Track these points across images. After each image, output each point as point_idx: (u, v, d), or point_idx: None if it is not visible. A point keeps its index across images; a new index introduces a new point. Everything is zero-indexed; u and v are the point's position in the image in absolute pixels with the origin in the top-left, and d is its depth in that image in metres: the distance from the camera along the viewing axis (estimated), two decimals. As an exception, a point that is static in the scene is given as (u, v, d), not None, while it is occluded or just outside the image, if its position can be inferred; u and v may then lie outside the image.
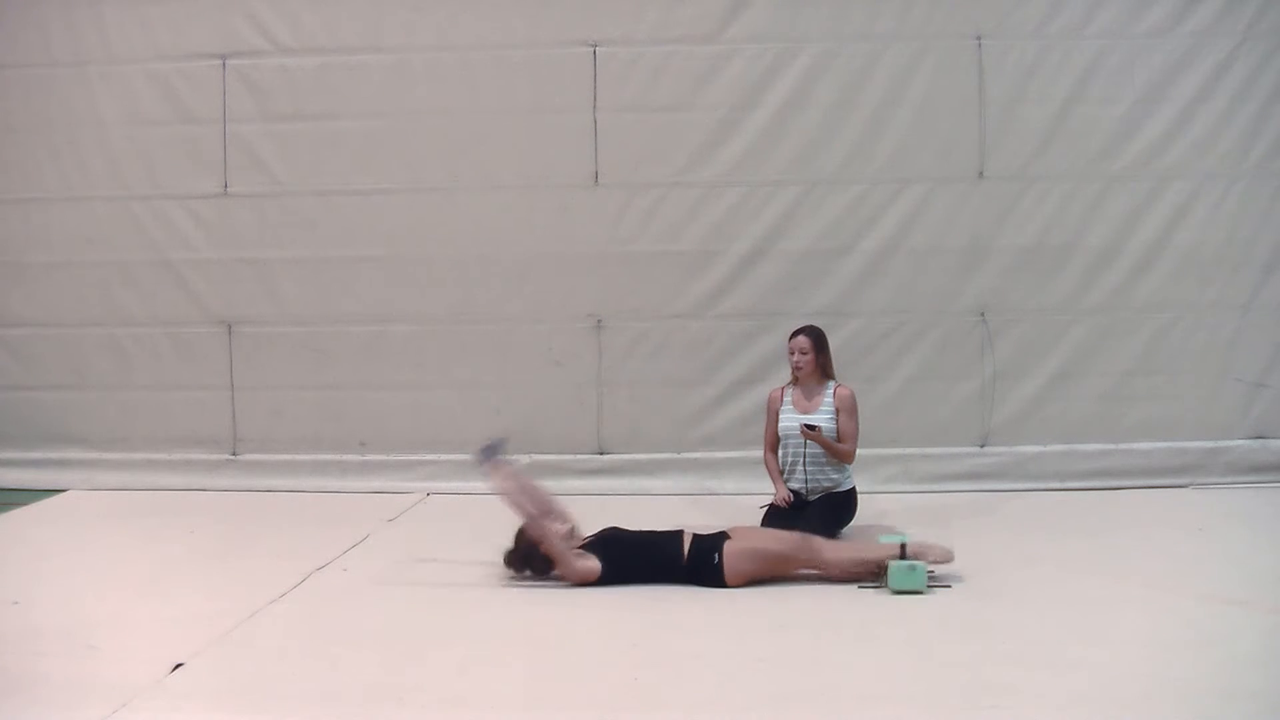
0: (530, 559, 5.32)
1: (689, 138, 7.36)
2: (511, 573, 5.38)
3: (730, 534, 5.29)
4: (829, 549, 5.28)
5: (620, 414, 7.48)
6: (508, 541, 5.37)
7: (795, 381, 6.19)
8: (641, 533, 5.41)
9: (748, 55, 7.31)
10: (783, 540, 5.28)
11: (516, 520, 5.34)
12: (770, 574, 5.22)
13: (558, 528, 5.31)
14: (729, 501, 6.85)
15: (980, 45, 7.23)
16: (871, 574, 5.16)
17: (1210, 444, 7.20)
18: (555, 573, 5.30)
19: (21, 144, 7.76)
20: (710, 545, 5.22)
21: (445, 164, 7.50)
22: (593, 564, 5.22)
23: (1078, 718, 3.76)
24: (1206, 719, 3.75)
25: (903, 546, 5.16)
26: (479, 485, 7.33)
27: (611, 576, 5.21)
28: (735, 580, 5.17)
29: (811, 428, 5.89)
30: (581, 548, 5.32)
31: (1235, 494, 6.98)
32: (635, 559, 5.27)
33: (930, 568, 5.09)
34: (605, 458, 7.42)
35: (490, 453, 5.51)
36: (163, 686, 4.13)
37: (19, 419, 7.85)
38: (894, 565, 5.04)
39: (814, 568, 5.23)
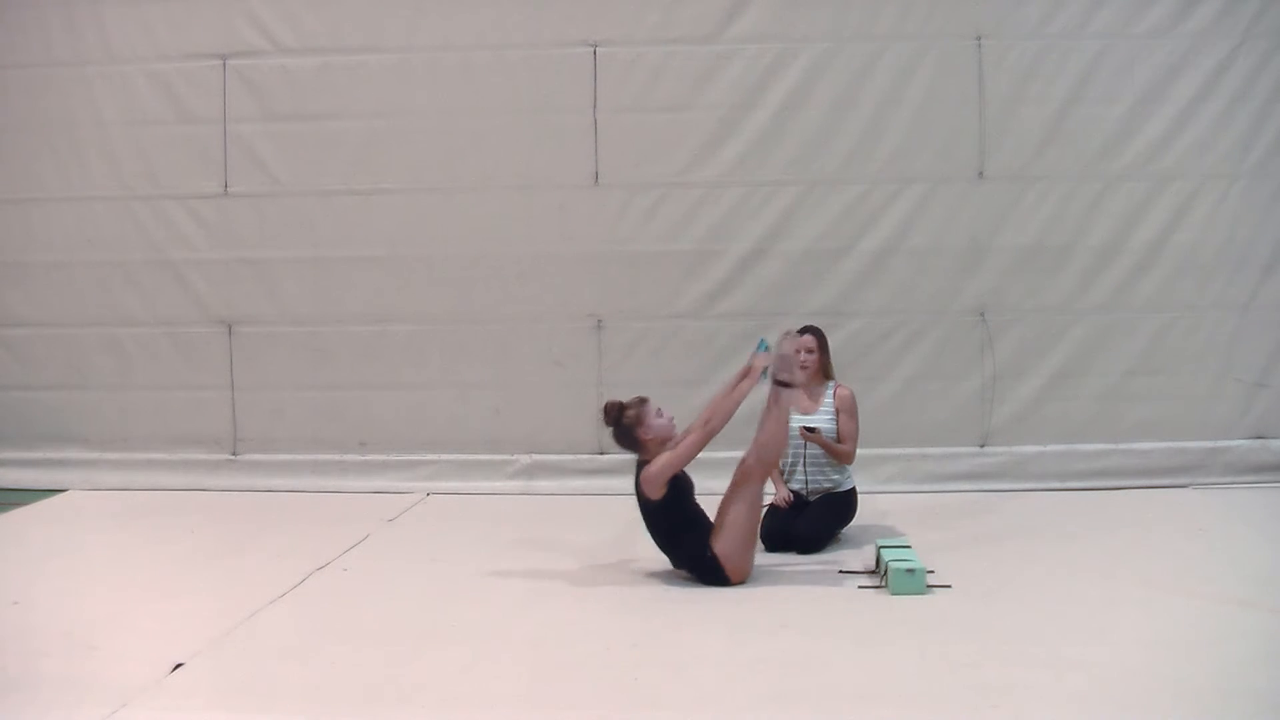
0: (627, 431, 5.28)
1: (689, 138, 7.36)
2: (603, 418, 5.35)
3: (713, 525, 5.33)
4: (755, 446, 5.33)
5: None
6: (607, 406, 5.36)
7: (795, 381, 6.18)
8: (696, 507, 5.36)
9: (748, 55, 7.31)
10: (733, 485, 5.30)
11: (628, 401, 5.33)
12: (740, 507, 5.23)
13: (696, 441, 5.21)
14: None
15: (980, 45, 7.23)
16: (862, 560, 5.25)
17: (1210, 444, 7.20)
18: (646, 444, 5.26)
19: (21, 144, 7.76)
20: (704, 542, 5.25)
21: (445, 164, 7.50)
22: (663, 488, 5.20)
23: (1078, 718, 3.77)
24: (1206, 719, 3.75)
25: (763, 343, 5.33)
26: (479, 485, 7.41)
27: (661, 508, 5.23)
28: (729, 561, 5.18)
29: (811, 429, 5.89)
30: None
31: (1235, 494, 6.97)
32: (680, 513, 5.27)
33: (930, 568, 5.09)
34: (605, 458, 7.42)
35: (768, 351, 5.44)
36: (163, 686, 4.14)
37: (19, 419, 7.85)
38: (894, 569, 5.04)
39: (761, 458, 5.29)
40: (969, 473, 7.27)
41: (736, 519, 5.23)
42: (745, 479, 5.28)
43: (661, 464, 5.18)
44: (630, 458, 5.43)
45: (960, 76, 7.24)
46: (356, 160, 7.55)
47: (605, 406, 5.38)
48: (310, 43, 7.53)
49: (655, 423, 5.27)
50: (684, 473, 5.31)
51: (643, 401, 5.34)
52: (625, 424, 5.27)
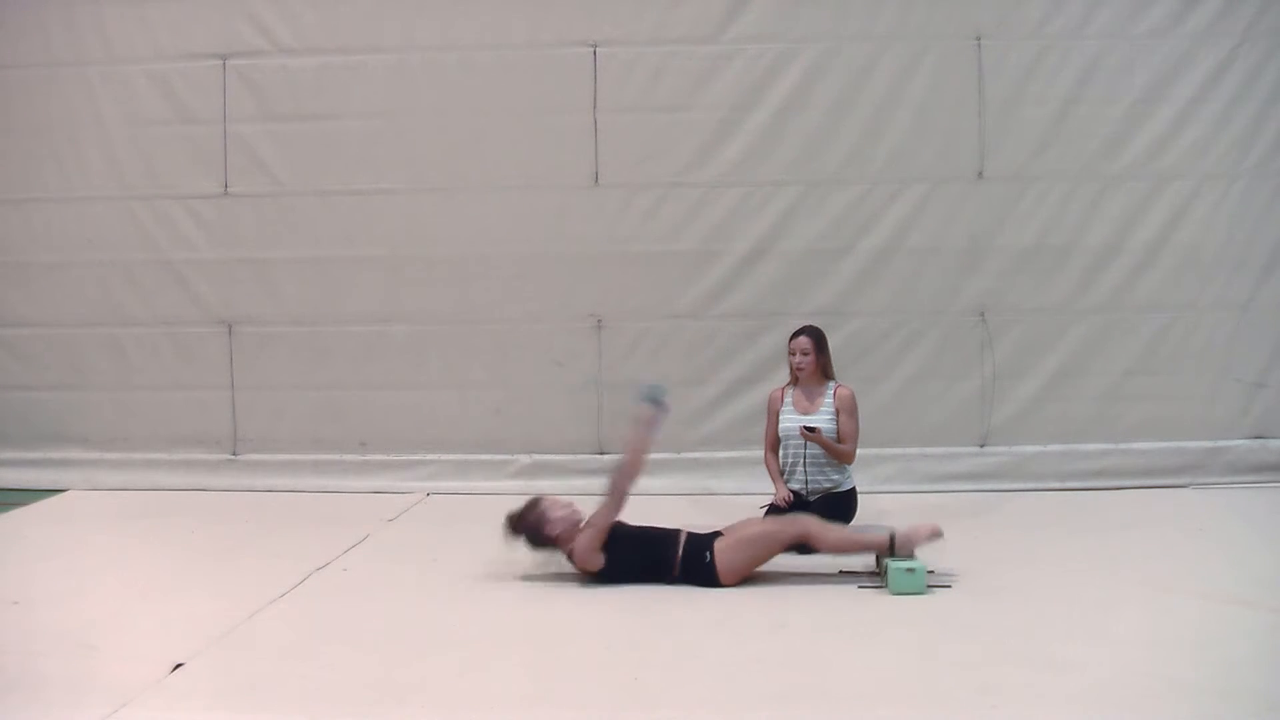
0: (534, 532, 5.27)
1: (689, 138, 7.36)
2: (507, 532, 5.33)
3: (723, 532, 5.30)
4: (816, 525, 5.28)
5: (620, 414, 7.43)
6: (515, 506, 5.36)
7: (795, 382, 6.19)
8: (642, 529, 5.39)
9: (748, 55, 7.31)
10: (768, 520, 5.31)
11: (528, 495, 5.33)
12: (760, 557, 5.22)
13: (610, 512, 5.23)
14: (729, 501, 6.83)
15: (980, 45, 7.23)
16: (873, 556, 5.21)
17: (1210, 444, 7.20)
18: (549, 553, 5.27)
19: (21, 144, 7.76)
20: (702, 544, 5.24)
21: (445, 164, 7.50)
22: (598, 558, 5.22)
23: (1078, 718, 3.76)
24: (1206, 719, 3.75)
25: (892, 538, 5.15)
26: (479, 485, 7.41)
27: (610, 574, 5.22)
28: (729, 577, 5.17)
29: (811, 429, 5.89)
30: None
31: (1235, 494, 6.98)
32: (635, 557, 5.26)
33: (930, 566, 5.09)
34: (605, 458, 7.41)
35: (658, 398, 5.37)
36: (163, 686, 4.13)
37: (19, 419, 7.85)
38: (893, 569, 5.04)
39: (802, 540, 5.23)
40: (969, 473, 7.27)
41: (754, 548, 5.19)
42: (782, 533, 5.23)
43: (583, 546, 5.20)
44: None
45: (960, 76, 7.24)
46: (356, 160, 7.55)
47: (505, 522, 5.34)
48: (310, 43, 7.53)
49: (557, 516, 5.27)
50: (613, 529, 5.30)
51: (536, 503, 5.34)
52: (531, 529, 5.28)
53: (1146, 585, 5.13)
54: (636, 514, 5.46)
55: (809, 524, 5.27)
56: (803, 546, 5.73)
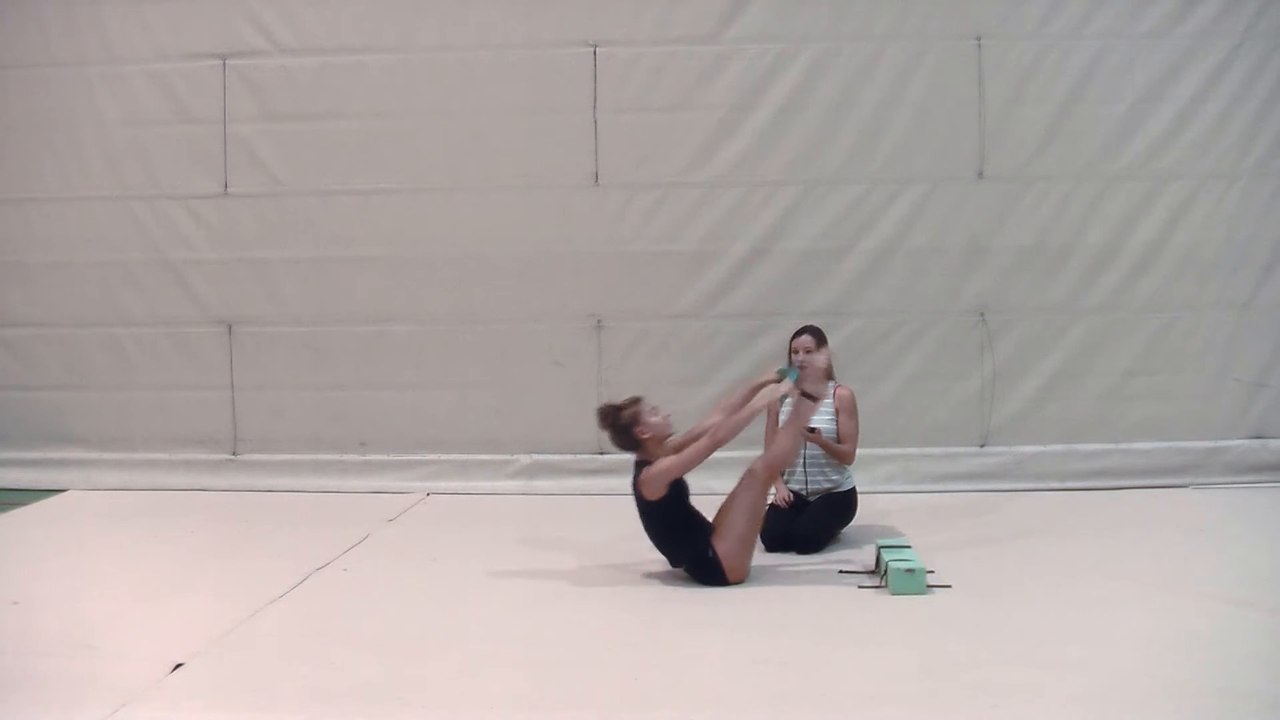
0: (624, 431, 5.27)
1: (689, 138, 7.36)
2: (597, 421, 5.36)
3: (713, 525, 5.33)
4: (766, 455, 5.38)
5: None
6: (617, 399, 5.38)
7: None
8: (692, 509, 5.37)
9: (748, 55, 7.31)
10: (735, 496, 5.32)
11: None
12: (752, 531, 5.27)
13: (709, 443, 5.22)
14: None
15: (980, 45, 7.23)
16: (873, 557, 5.27)
17: (1210, 444, 7.20)
18: (630, 455, 5.29)
19: (21, 144, 7.76)
20: (706, 542, 5.25)
21: (445, 164, 7.50)
22: (664, 489, 5.21)
23: (1078, 718, 3.76)
24: (1206, 719, 3.75)
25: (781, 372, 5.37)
26: (479, 485, 7.41)
27: (656, 511, 5.24)
28: (730, 562, 5.18)
29: (811, 429, 5.89)
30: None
31: (1235, 494, 6.98)
32: (677, 518, 5.28)
33: (930, 568, 5.09)
34: (605, 458, 7.41)
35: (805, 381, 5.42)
36: (163, 686, 4.13)
37: (19, 419, 7.85)
38: (894, 569, 5.04)
39: (764, 472, 5.31)
40: (969, 473, 7.27)
41: (739, 521, 5.24)
42: (751, 483, 5.30)
43: (665, 467, 5.18)
44: (631, 458, 5.42)
45: (960, 76, 7.24)
46: (356, 160, 7.55)
47: (600, 410, 5.39)
48: (310, 43, 7.53)
49: (651, 421, 5.27)
50: (682, 477, 5.31)
51: (636, 400, 5.34)
52: (622, 424, 5.28)
53: (1146, 585, 5.13)
54: (636, 516, 5.46)
55: (757, 463, 5.34)
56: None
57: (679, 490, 5.29)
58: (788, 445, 5.42)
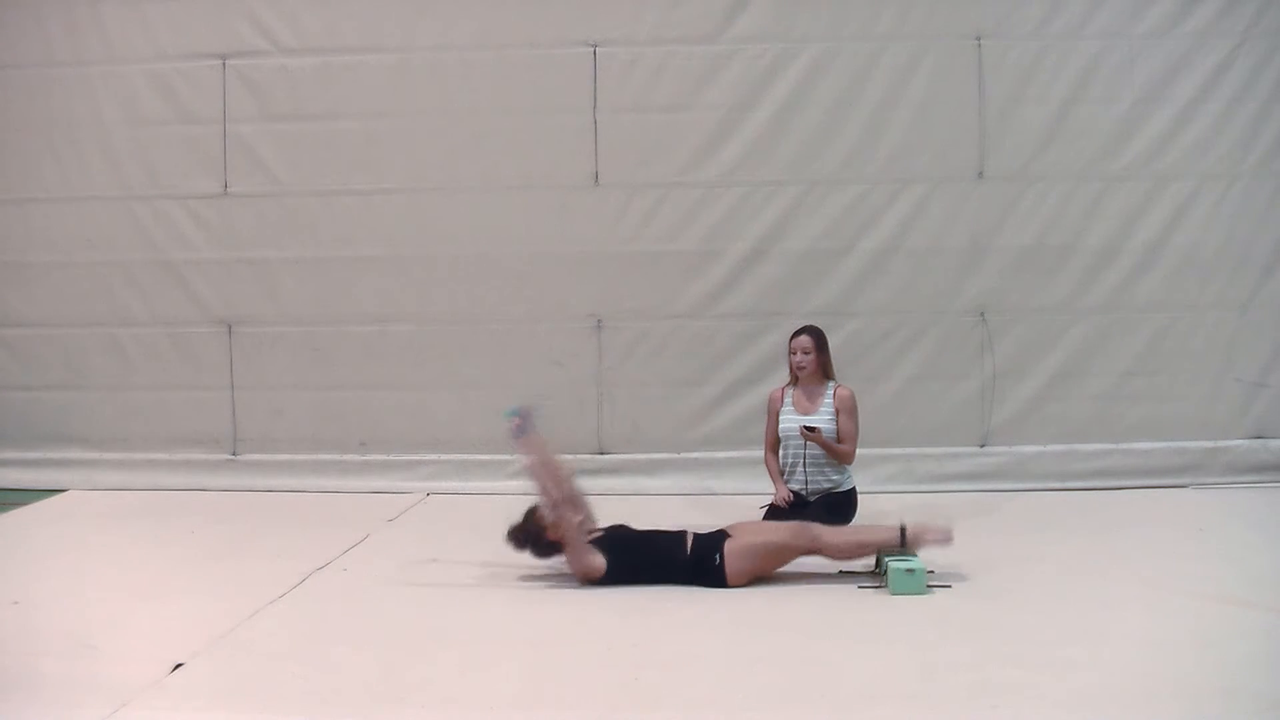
0: (535, 540, 5.28)
1: (689, 138, 7.36)
2: (511, 547, 5.34)
3: (730, 532, 5.29)
4: (828, 532, 5.28)
5: (620, 414, 7.48)
6: (514, 519, 5.34)
7: (795, 382, 6.19)
8: (646, 532, 5.40)
9: (748, 55, 7.31)
10: (780, 530, 5.29)
11: (527, 503, 5.30)
12: (772, 567, 5.22)
13: (573, 516, 5.21)
14: (729, 501, 6.84)
15: (980, 45, 7.23)
16: (874, 557, 5.21)
17: (1210, 444, 7.20)
18: (556, 558, 5.27)
19: (21, 144, 7.76)
20: (711, 545, 5.22)
21: (445, 164, 7.50)
22: (599, 561, 5.21)
23: (1078, 718, 3.76)
24: (1206, 719, 3.75)
25: (903, 530, 5.17)
26: (479, 485, 7.41)
27: (615, 576, 5.21)
28: (737, 579, 5.17)
29: (811, 429, 5.89)
30: (590, 542, 5.28)
31: (1235, 494, 6.98)
32: (640, 559, 5.25)
33: (930, 568, 5.09)
34: (605, 458, 7.42)
35: (523, 420, 5.34)
36: (163, 686, 4.13)
37: (19, 419, 7.85)
38: (893, 569, 5.04)
39: (814, 552, 5.22)
40: (969, 473, 7.27)
41: (762, 555, 5.18)
42: (793, 543, 5.21)
43: (572, 558, 5.20)
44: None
45: (960, 76, 7.24)
46: (356, 160, 7.55)
47: (507, 535, 5.34)
48: (310, 43, 7.53)
49: (552, 519, 5.21)
50: (608, 533, 5.32)
51: (531, 511, 5.30)
52: (532, 538, 5.27)
53: (1146, 585, 5.12)
54: (639, 515, 5.47)
55: (820, 534, 5.24)
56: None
57: (621, 548, 5.24)
58: (843, 545, 5.27)
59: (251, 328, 7.70)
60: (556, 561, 5.32)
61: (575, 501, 5.28)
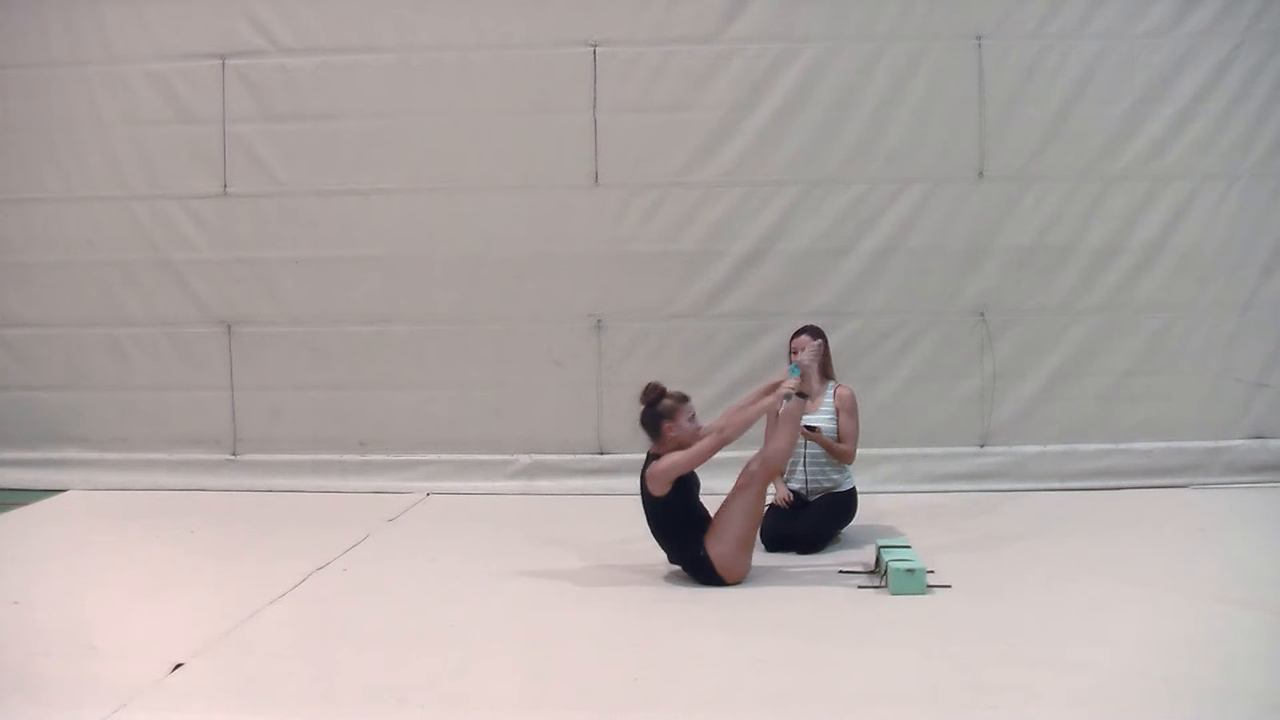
0: (657, 420, 5.27)
1: (689, 138, 7.36)
2: (643, 397, 5.33)
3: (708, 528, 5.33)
4: (758, 457, 5.35)
5: (620, 414, 7.45)
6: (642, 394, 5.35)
7: (795, 381, 6.17)
8: (700, 507, 5.37)
9: (748, 55, 7.31)
10: (732, 496, 5.30)
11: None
12: (749, 529, 5.25)
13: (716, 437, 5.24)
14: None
15: (980, 45, 7.23)
16: (862, 560, 5.29)
17: (1210, 444, 7.20)
18: (666, 439, 5.25)
19: (21, 144, 7.76)
20: (699, 542, 5.25)
21: (445, 164, 7.50)
22: (668, 486, 5.20)
23: (1078, 718, 3.77)
24: (1206, 719, 3.75)
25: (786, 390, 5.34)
26: (479, 485, 7.41)
27: (658, 506, 5.25)
28: (723, 560, 5.18)
29: (811, 428, 5.89)
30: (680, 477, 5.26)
31: (1235, 494, 6.98)
32: (679, 514, 5.27)
33: (930, 568, 5.09)
34: (605, 458, 7.42)
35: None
36: (163, 686, 4.13)
37: (19, 419, 7.85)
38: (894, 569, 5.04)
39: (763, 473, 5.30)
40: (969, 473, 7.27)
41: (733, 522, 5.23)
42: (748, 484, 5.29)
43: (671, 462, 5.18)
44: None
45: (960, 76, 7.24)
46: (356, 160, 7.55)
47: (648, 386, 5.36)
48: (309, 42, 7.53)
49: (685, 425, 5.27)
50: (693, 472, 5.31)
51: (684, 399, 5.33)
52: (658, 411, 5.27)
53: (1146, 585, 5.13)
54: (639, 515, 5.46)
55: (754, 462, 5.32)
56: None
57: (685, 488, 5.28)
58: (784, 444, 5.40)
59: (251, 328, 7.70)
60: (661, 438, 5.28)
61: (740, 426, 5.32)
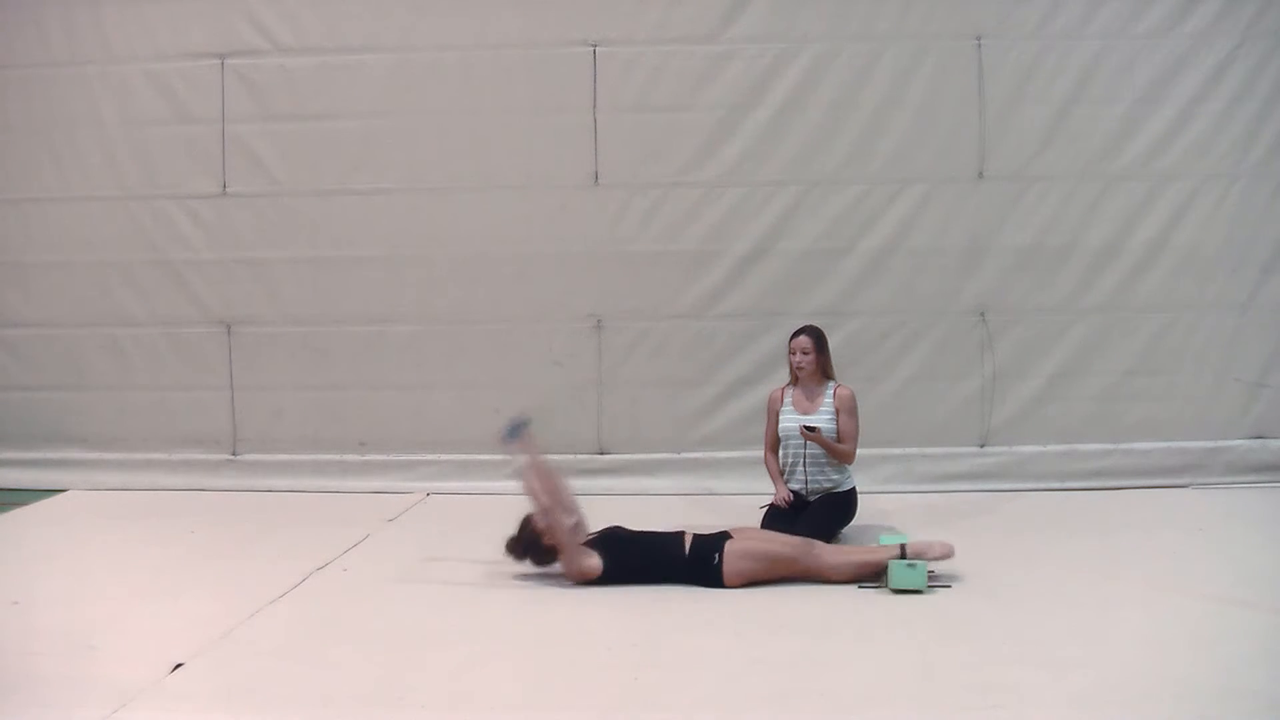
0: (532, 548, 5.33)
1: (689, 138, 7.36)
2: (511, 559, 5.37)
3: (732, 534, 5.29)
4: (830, 553, 5.28)
5: (620, 414, 7.48)
6: (511, 529, 5.37)
7: (795, 382, 6.18)
8: (643, 532, 5.41)
9: (748, 55, 7.31)
10: (785, 544, 5.27)
11: (523, 509, 5.34)
12: (770, 575, 5.22)
13: (565, 520, 5.26)
14: (729, 501, 6.85)
15: (980, 45, 7.23)
16: (872, 576, 5.18)
17: (1210, 444, 7.20)
18: (557, 564, 5.30)
19: (21, 144, 7.76)
20: (711, 545, 5.23)
21: (445, 164, 7.50)
22: (595, 561, 5.23)
23: (1078, 718, 3.76)
24: (1206, 719, 3.75)
25: (902, 548, 5.16)
26: (479, 485, 7.41)
27: (612, 575, 5.22)
28: (734, 580, 5.17)
29: (811, 429, 5.89)
30: (585, 544, 5.30)
31: (1235, 494, 6.98)
32: (636, 558, 5.27)
33: (931, 566, 5.10)
34: (605, 458, 7.42)
35: (515, 430, 5.44)
36: (163, 686, 4.13)
37: (19, 419, 7.85)
38: (894, 563, 5.05)
39: (815, 573, 5.22)
40: (969, 473, 7.27)
41: (768, 566, 5.19)
42: (798, 558, 5.21)
43: (566, 562, 5.23)
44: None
45: (960, 76, 7.24)
46: (356, 160, 7.54)
47: (506, 547, 5.38)
48: (309, 42, 7.52)
49: (543, 526, 5.27)
50: (603, 534, 5.34)
51: (526, 521, 5.34)
52: (529, 547, 5.31)
53: (1146, 585, 5.13)
54: (639, 515, 5.47)
55: (822, 554, 5.24)
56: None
57: (618, 548, 5.27)
58: (841, 563, 5.27)
59: (250, 328, 7.70)
60: (557, 568, 5.32)
61: (567, 506, 5.32)
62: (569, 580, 5.28)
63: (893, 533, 5.98)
